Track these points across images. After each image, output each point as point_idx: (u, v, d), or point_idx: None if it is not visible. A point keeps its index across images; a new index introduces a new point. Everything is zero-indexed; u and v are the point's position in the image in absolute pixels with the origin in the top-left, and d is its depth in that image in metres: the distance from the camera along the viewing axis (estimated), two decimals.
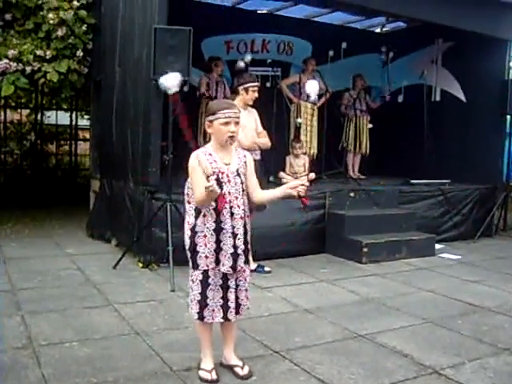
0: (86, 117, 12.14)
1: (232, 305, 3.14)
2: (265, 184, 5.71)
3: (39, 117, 11.94)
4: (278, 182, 7.00)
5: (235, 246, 3.09)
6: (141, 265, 5.74)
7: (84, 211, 8.00)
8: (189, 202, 3.14)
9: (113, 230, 6.84)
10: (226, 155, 3.15)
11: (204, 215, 3.06)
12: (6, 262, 5.82)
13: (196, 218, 3.09)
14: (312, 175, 7.43)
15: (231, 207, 3.08)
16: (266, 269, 5.74)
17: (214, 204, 3.04)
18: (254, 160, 4.95)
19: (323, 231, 6.77)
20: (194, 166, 3.06)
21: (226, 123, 3.08)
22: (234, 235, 3.09)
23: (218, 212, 3.04)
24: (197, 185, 3.00)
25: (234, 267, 3.09)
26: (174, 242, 5.22)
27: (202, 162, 3.04)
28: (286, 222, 6.52)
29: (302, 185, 3.07)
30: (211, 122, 3.11)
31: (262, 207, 5.40)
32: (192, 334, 3.76)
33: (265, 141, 5.66)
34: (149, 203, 5.76)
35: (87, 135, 11.61)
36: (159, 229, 5.65)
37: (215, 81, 7.92)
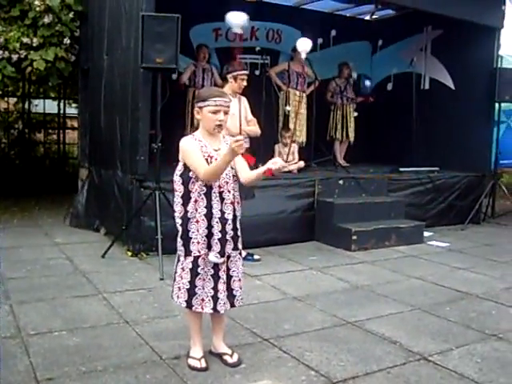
0: (74, 105, 12.02)
1: (221, 296, 3.13)
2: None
3: (26, 105, 11.82)
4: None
5: (224, 232, 3.08)
6: (130, 253, 5.73)
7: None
8: (175, 190, 3.12)
9: (101, 219, 6.81)
10: (215, 141, 3.15)
11: (195, 201, 3.05)
12: None
13: (184, 205, 3.08)
14: (301, 163, 7.52)
15: (222, 192, 3.08)
16: (256, 257, 5.75)
17: (204, 188, 3.04)
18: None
19: (313, 219, 6.78)
20: (191, 145, 3.05)
21: (216, 111, 3.06)
22: (225, 220, 3.09)
23: (209, 196, 3.04)
24: (200, 161, 3.00)
25: (222, 253, 3.08)
26: (163, 230, 5.23)
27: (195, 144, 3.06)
28: (275, 210, 6.52)
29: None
30: (201, 108, 3.10)
31: (250, 195, 5.42)
32: (181, 322, 3.77)
33: (254, 128, 5.66)
34: (137, 192, 5.74)
35: (75, 124, 11.51)
36: (148, 217, 5.64)
37: (201, 68, 7.87)
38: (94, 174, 7.16)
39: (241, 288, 3.25)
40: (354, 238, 6.32)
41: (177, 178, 3.11)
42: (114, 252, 5.69)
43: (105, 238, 6.49)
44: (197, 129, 3.23)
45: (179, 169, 3.11)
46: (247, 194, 5.17)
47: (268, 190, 6.48)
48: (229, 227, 3.11)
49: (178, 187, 3.10)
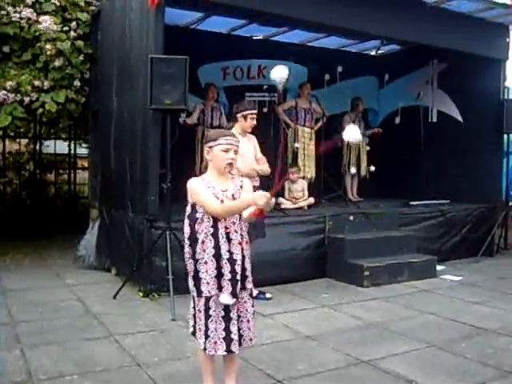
0: (84, 145, 12.17)
1: (235, 337, 3.10)
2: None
3: (38, 146, 11.98)
4: (278, 208, 7.00)
5: (234, 273, 3.08)
6: (141, 294, 5.71)
7: None
8: (183, 232, 3.13)
9: (112, 259, 6.82)
10: (223, 182, 3.17)
11: (203, 242, 3.06)
12: (6, 293, 5.79)
13: (192, 246, 3.08)
14: (311, 199, 7.53)
15: (228, 233, 3.08)
16: (267, 295, 5.71)
17: (211, 229, 3.05)
18: (253, 186, 4.95)
19: (324, 255, 6.75)
20: (199, 185, 3.08)
21: (227, 150, 3.11)
22: (233, 261, 3.08)
23: (216, 237, 3.05)
24: (212, 197, 3.03)
25: (233, 294, 3.07)
26: (174, 270, 5.22)
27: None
28: (286, 248, 6.50)
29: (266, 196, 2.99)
30: (211, 147, 3.14)
31: (261, 234, 5.42)
32: (194, 364, 3.72)
33: (264, 167, 5.64)
34: (148, 232, 5.75)
35: (86, 164, 11.62)
36: (159, 257, 5.63)
37: (210, 107, 7.96)
38: (105, 214, 7.19)
39: (249, 329, 3.21)
40: (366, 273, 6.28)
41: (185, 220, 3.13)
42: (125, 292, 5.68)
43: (116, 278, 6.48)
44: (205, 169, 3.25)
45: (187, 211, 3.14)
46: (258, 233, 5.18)
47: (278, 227, 6.48)
48: (238, 268, 3.10)
49: (186, 228, 3.12)
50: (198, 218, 3.07)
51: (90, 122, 8.39)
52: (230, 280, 3.06)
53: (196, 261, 3.07)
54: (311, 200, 7.57)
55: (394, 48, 9.98)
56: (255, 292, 5.56)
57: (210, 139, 3.17)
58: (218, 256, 3.06)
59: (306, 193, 7.63)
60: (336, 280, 6.56)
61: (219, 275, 3.06)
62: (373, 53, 10.43)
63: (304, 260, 6.63)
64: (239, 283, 3.10)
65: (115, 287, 5.74)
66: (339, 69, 9.26)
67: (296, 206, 7.39)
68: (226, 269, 3.06)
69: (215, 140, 3.14)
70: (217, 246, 3.06)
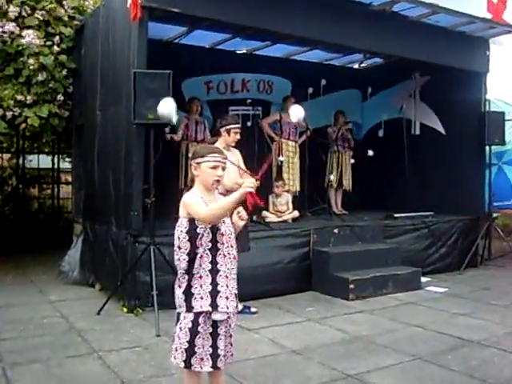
0: (67, 159, 12.08)
1: (222, 352, 3.08)
2: (248, 224, 5.73)
3: (21, 161, 11.87)
4: (262, 222, 7.00)
5: (230, 287, 3.07)
6: (125, 310, 5.66)
7: None
8: (179, 248, 3.09)
9: (96, 275, 6.76)
10: (213, 198, 3.16)
11: (201, 256, 3.03)
12: None
13: (190, 261, 3.05)
14: (296, 213, 7.54)
15: (226, 247, 3.08)
16: (253, 309, 5.69)
17: (210, 244, 3.03)
18: None
19: (309, 269, 6.75)
20: (196, 199, 3.05)
21: (215, 167, 3.11)
22: (229, 276, 3.08)
23: (214, 252, 3.04)
24: (200, 205, 3.01)
25: (226, 310, 3.05)
26: (159, 285, 5.20)
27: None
28: (271, 261, 6.49)
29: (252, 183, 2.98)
30: (199, 164, 3.13)
31: (246, 248, 5.40)
32: (179, 381, 3.69)
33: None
34: (132, 247, 5.72)
35: (69, 178, 11.53)
36: (143, 273, 5.59)
37: (194, 121, 7.94)
38: (89, 229, 7.14)
39: (231, 344, 3.19)
40: (352, 286, 6.28)
41: (182, 235, 3.06)
42: (109, 308, 5.62)
43: (100, 293, 6.43)
44: (191, 184, 3.25)
45: (184, 226, 3.06)
46: (243, 247, 5.16)
47: (263, 241, 6.48)
48: (234, 283, 3.10)
49: (184, 244, 3.05)
50: (199, 234, 3.04)
51: (73, 137, 8.36)
52: (225, 296, 3.04)
53: (192, 275, 3.05)
54: (296, 213, 7.58)
55: (378, 61, 10.07)
56: (240, 306, 5.54)
57: (198, 155, 3.16)
58: (214, 271, 3.04)
59: (291, 206, 7.65)
60: (321, 293, 6.55)
61: (214, 291, 3.04)
62: (356, 66, 10.52)
63: (289, 273, 6.62)
64: (234, 300, 3.09)
65: (99, 303, 5.68)
66: (323, 82, 9.33)
67: (281, 219, 7.40)
68: (223, 284, 3.04)
69: (203, 156, 3.13)
70: (214, 261, 3.04)
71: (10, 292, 6.56)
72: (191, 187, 3.24)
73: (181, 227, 3.08)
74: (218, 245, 3.06)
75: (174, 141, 7.66)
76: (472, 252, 8.19)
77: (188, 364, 3.06)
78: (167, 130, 7.43)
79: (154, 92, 5.40)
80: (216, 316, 3.03)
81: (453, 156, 8.70)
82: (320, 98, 9.41)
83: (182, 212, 3.09)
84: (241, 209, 3.17)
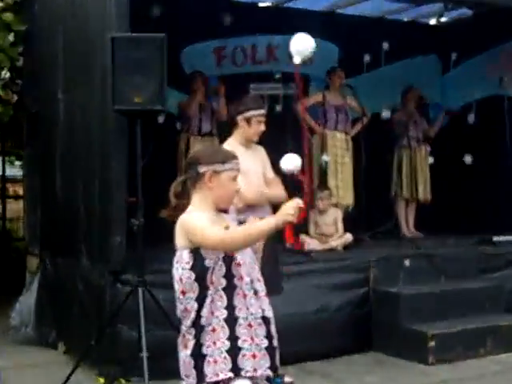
0: (17, 163, 12.23)
1: None
2: (279, 254, 5.76)
3: None
4: (299, 251, 7.01)
5: (258, 340, 3.10)
6: (102, 380, 5.70)
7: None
8: (184, 293, 3.09)
9: (60, 330, 6.82)
10: (220, 218, 3.18)
11: (212, 300, 3.04)
12: None
13: (199, 309, 3.07)
14: (348, 237, 7.54)
15: (251, 281, 3.10)
16: (287, 380, 5.67)
17: (224, 281, 3.05)
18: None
19: (368, 319, 6.73)
20: (201, 219, 3.06)
21: (235, 178, 3.15)
22: (253, 324, 3.09)
23: (230, 292, 3.06)
24: (208, 226, 3.01)
25: (273, 367, 3.09)
26: (151, 344, 5.20)
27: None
28: (313, 308, 6.49)
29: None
30: (217, 173, 3.12)
31: (277, 289, 5.39)
32: None
33: (277, 192, 5.62)
34: (112, 289, 5.76)
35: (20, 190, 11.67)
36: (128, 326, 5.62)
37: (198, 105, 8.05)
38: (48, 264, 7.20)
39: None
40: (432, 344, 6.26)
41: (186, 275, 3.06)
42: (77, 379, 5.65)
43: (65, 357, 6.48)
44: (183, 195, 3.22)
45: (186, 260, 3.05)
46: (273, 288, 5.15)
47: (301, 278, 6.49)
48: (273, 328, 3.14)
49: (190, 286, 3.05)
50: (209, 268, 3.06)
51: (25, 131, 8.42)
52: (252, 354, 3.05)
53: (201, 328, 3.05)
54: (348, 237, 7.57)
55: (465, 13, 9.99)
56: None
57: (216, 160, 3.17)
58: (232, 319, 3.05)
59: (341, 227, 7.65)
60: (387, 354, 6.54)
61: (233, 348, 3.05)
62: (432, 22, 10.48)
63: (339, 326, 6.60)
64: (267, 359, 3.11)
65: (64, 371, 5.70)
66: (385, 46, 9.32)
67: (326, 246, 7.41)
68: (246, 337, 3.05)
69: (224, 163, 3.15)
70: (230, 305, 3.05)
71: None
72: (185, 204, 3.23)
73: (181, 263, 3.07)
74: (235, 280, 3.07)
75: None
76: None
77: None
78: (161, 119, 7.50)
79: (141, 65, 5.42)
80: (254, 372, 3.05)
81: None
82: (381, 70, 9.43)
83: (180, 241, 3.09)
84: None
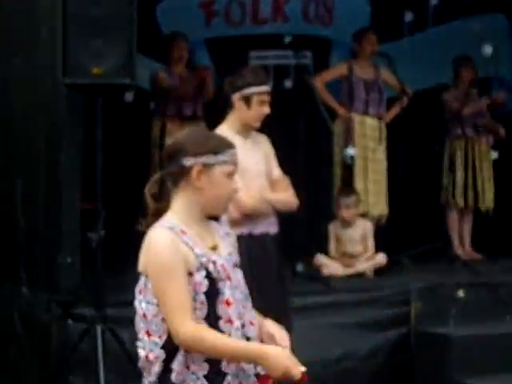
0: None
1: None
2: (288, 280, 5.77)
3: None
4: (314, 275, 7.03)
5: None
6: None
7: None
8: (149, 334, 3.07)
9: None
10: (204, 230, 3.13)
11: (186, 350, 3.01)
12: None
13: (169, 360, 3.05)
14: (381, 258, 7.55)
15: (242, 326, 3.06)
16: None
17: (203, 324, 3.03)
18: (267, 235, 4.98)
19: (409, 368, 6.76)
20: (172, 258, 2.98)
21: (232, 174, 3.08)
22: (257, 378, 3.09)
23: None
24: (184, 302, 2.93)
25: None
26: None
27: (181, 252, 2.98)
28: (334, 354, 6.52)
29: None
30: (208, 166, 3.05)
31: (287, 327, 5.41)
32: None
33: (285, 197, 5.63)
34: (61, 327, 5.79)
35: None
36: (83, 377, 5.66)
37: (178, 78, 8.11)
38: None
39: None
40: None
41: (151, 310, 3.02)
42: None
43: None
44: (161, 201, 3.18)
45: (152, 291, 3.05)
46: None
47: (318, 314, 6.51)
48: None
49: (156, 327, 3.04)
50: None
51: None
52: None
53: None
54: (381, 259, 7.58)
55: None
56: None
57: (206, 150, 3.09)
58: (216, 377, 3.02)
59: (372, 244, 7.66)
60: None
61: None
62: None
63: (369, 377, 6.65)
64: None
65: None
66: (433, 1, 9.35)
67: (351, 270, 7.42)
68: None
69: (216, 153, 3.08)
70: (214, 358, 3.03)
71: None
72: (157, 214, 3.13)
73: (146, 295, 2.99)
74: (221, 324, 3.04)
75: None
76: None
77: None
78: (129, 97, 7.54)
79: (102, 24, 5.46)
80: None
81: None
82: (428, 33, 9.45)
83: (143, 266, 2.99)
84: None
